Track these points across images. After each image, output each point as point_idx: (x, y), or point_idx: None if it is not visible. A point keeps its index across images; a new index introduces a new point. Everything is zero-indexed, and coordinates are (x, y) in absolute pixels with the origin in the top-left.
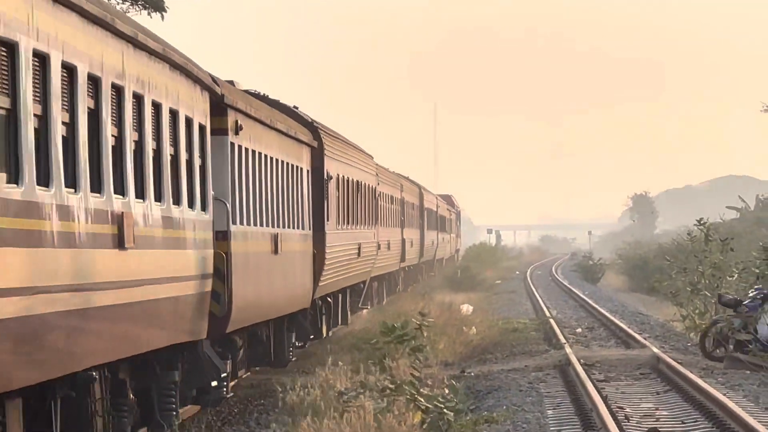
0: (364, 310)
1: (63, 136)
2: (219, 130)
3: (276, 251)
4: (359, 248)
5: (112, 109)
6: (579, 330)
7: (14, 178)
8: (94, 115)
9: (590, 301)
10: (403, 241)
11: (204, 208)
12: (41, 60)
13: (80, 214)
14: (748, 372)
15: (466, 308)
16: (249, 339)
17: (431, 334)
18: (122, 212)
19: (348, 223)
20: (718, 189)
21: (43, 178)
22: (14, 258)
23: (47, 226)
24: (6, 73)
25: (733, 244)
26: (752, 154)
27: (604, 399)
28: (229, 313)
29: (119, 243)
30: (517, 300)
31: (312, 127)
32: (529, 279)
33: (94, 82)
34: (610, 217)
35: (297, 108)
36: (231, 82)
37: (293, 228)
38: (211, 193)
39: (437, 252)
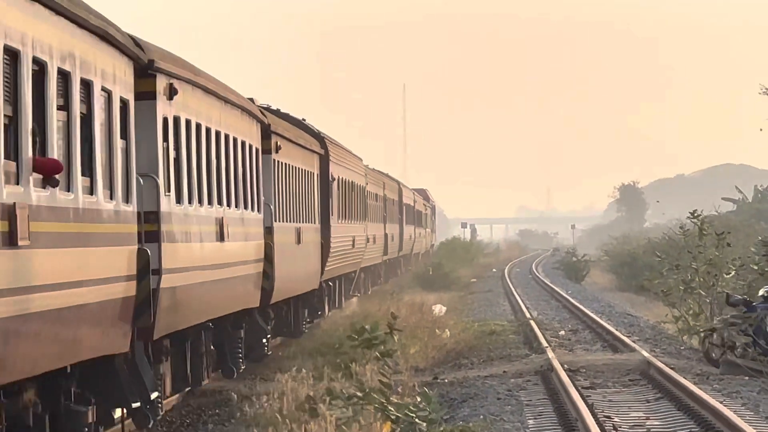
0: (354, 297)
1: (207, 169)
2: (266, 151)
3: (298, 242)
4: (353, 241)
5: (217, 147)
6: (562, 333)
7: (178, 198)
8: (217, 154)
9: (574, 302)
10: (386, 235)
11: (259, 210)
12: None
13: (202, 220)
14: (747, 378)
15: (439, 309)
16: (276, 312)
17: (401, 337)
18: (222, 217)
19: (345, 218)
20: (712, 179)
21: (189, 198)
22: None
23: (194, 228)
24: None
25: (730, 239)
26: (750, 141)
27: (590, 408)
28: (272, 288)
29: (221, 238)
30: (495, 300)
31: (319, 137)
32: (507, 277)
33: (217, 135)
34: (596, 209)
35: (305, 120)
36: (267, 107)
37: (308, 222)
38: (263, 198)
39: (414, 246)
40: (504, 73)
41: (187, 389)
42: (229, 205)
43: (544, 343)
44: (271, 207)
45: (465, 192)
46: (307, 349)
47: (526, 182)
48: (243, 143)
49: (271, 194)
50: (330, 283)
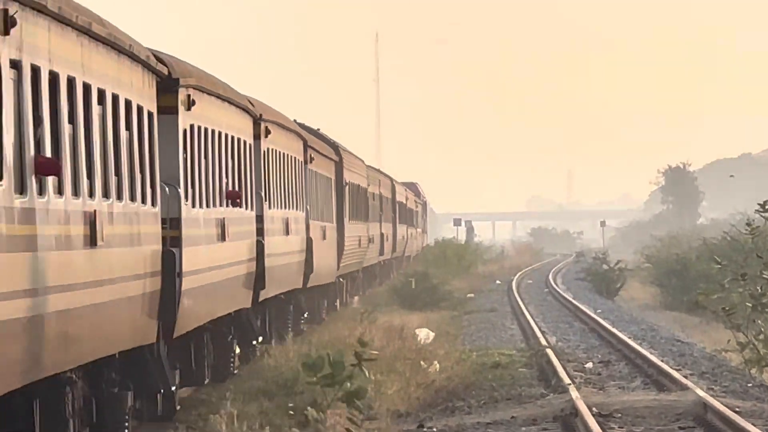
0: (356, 297)
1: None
2: (305, 162)
3: (324, 238)
4: (359, 241)
5: (286, 167)
6: (589, 365)
7: (251, 205)
8: (285, 173)
9: (605, 324)
10: (382, 235)
11: (302, 210)
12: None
13: (278, 220)
14: None
15: (425, 334)
16: (305, 299)
17: (375, 372)
18: (287, 217)
19: (354, 219)
20: None
21: (262, 204)
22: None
23: (266, 224)
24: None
25: None
26: None
27: None
28: (311, 273)
29: (287, 232)
30: (499, 322)
31: (334, 146)
32: (515, 291)
33: (285, 157)
34: (633, 201)
35: (319, 129)
36: (302, 125)
37: (329, 222)
38: (305, 200)
39: (406, 248)
40: (506, 23)
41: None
42: (290, 207)
43: (566, 380)
44: (308, 207)
45: (458, 178)
46: (249, 388)
47: (540, 165)
48: (292, 157)
49: (308, 198)
50: (342, 279)
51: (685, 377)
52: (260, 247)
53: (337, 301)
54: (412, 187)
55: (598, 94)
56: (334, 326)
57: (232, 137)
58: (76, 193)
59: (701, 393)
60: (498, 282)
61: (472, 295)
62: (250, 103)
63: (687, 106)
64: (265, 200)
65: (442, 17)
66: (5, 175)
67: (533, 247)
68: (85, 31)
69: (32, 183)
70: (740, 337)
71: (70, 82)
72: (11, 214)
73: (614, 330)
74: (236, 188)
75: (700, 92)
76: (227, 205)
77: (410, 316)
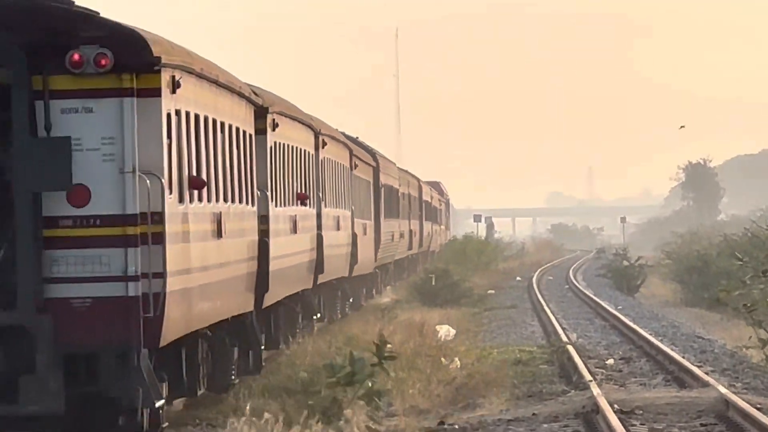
0: (388, 287)
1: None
2: (351, 168)
3: (365, 233)
4: (392, 236)
5: (337, 173)
6: (610, 362)
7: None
8: (336, 178)
9: (626, 320)
10: (411, 231)
11: (348, 209)
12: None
13: (331, 217)
14: None
15: (446, 331)
16: (349, 286)
17: (396, 369)
18: (338, 215)
19: (388, 217)
20: None
21: (320, 204)
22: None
23: (323, 221)
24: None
25: None
26: None
27: None
28: (356, 264)
29: (338, 228)
30: (520, 319)
31: (372, 152)
32: (536, 287)
33: (336, 164)
34: (653, 197)
35: (357, 138)
36: (352, 137)
37: (368, 220)
38: (350, 201)
39: (431, 243)
40: (527, 18)
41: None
42: (340, 207)
43: (587, 376)
44: (353, 207)
45: (478, 174)
46: (270, 386)
47: (560, 162)
48: (341, 164)
49: (353, 200)
50: (377, 270)
51: (707, 374)
52: (320, 239)
53: (374, 289)
54: (435, 186)
55: (619, 90)
56: (356, 322)
57: (300, 149)
58: (209, 199)
59: (723, 390)
60: (518, 278)
61: (492, 291)
62: (311, 120)
63: (706, 97)
64: (322, 201)
65: (462, 12)
66: (174, 190)
67: (553, 244)
68: (214, 81)
69: (187, 195)
70: (761, 333)
71: (206, 120)
72: (177, 217)
73: (635, 326)
74: (303, 191)
75: (720, 88)
76: (297, 205)
77: (431, 313)
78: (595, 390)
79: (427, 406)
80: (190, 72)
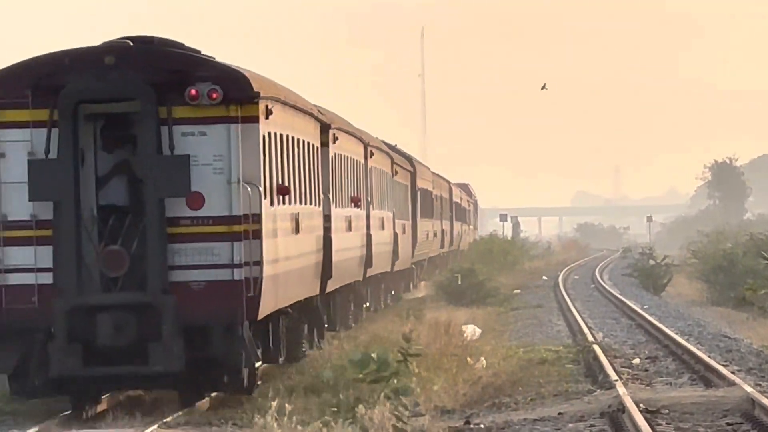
0: (422, 282)
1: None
2: (392, 174)
3: (404, 232)
4: (427, 235)
5: (381, 179)
6: (636, 361)
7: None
8: (381, 183)
9: (652, 319)
10: (442, 231)
11: (390, 211)
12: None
13: (377, 218)
14: None
15: (472, 331)
16: (391, 280)
17: (421, 368)
18: (383, 216)
19: (424, 217)
20: None
21: (369, 206)
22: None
23: (371, 221)
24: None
25: None
26: None
27: None
28: (396, 260)
29: (383, 228)
30: (546, 318)
31: (408, 158)
32: (561, 287)
33: (381, 171)
34: (679, 196)
35: (396, 145)
36: (393, 146)
37: (406, 220)
38: (392, 203)
39: (461, 242)
40: (553, 16)
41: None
42: (384, 209)
43: (613, 376)
44: (395, 209)
45: (504, 174)
46: (295, 385)
47: (586, 161)
48: (385, 171)
49: (394, 201)
50: (413, 266)
51: (733, 373)
52: (369, 238)
53: (411, 284)
54: (464, 187)
55: (645, 89)
56: (381, 322)
57: (353, 159)
58: (290, 202)
59: (749, 389)
60: (544, 278)
61: (518, 291)
62: (362, 134)
63: (732, 96)
64: (371, 204)
65: (487, 11)
66: (267, 196)
67: (579, 243)
68: (293, 106)
69: (276, 199)
70: None
71: (288, 137)
72: (269, 217)
73: (661, 326)
74: (356, 195)
75: (746, 86)
76: (352, 207)
77: (457, 313)
78: (621, 389)
79: (452, 406)
80: (277, 101)
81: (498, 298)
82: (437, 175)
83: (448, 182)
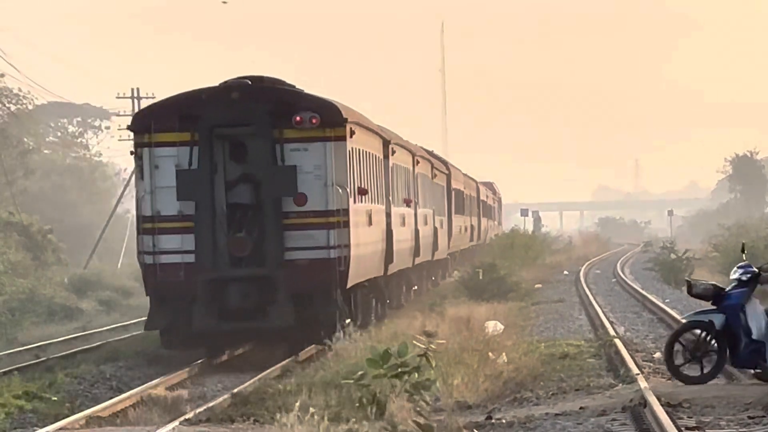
0: (455, 271)
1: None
2: (431, 177)
3: (441, 227)
4: (460, 229)
5: (424, 181)
6: (658, 355)
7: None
8: (424, 185)
9: (674, 313)
10: (471, 226)
11: (431, 208)
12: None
13: (422, 216)
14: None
15: (493, 326)
16: (431, 268)
17: (442, 363)
18: (426, 213)
19: (457, 214)
20: None
21: (416, 206)
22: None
23: (418, 218)
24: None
25: None
26: None
27: None
28: (435, 251)
29: (426, 223)
30: (567, 313)
31: (444, 162)
32: (583, 281)
33: (424, 176)
34: (700, 189)
35: (432, 151)
36: (430, 151)
37: (443, 216)
38: (431, 202)
39: (486, 236)
40: (574, 11)
41: None
42: (426, 207)
43: (635, 370)
44: (433, 207)
45: (525, 168)
46: (316, 380)
47: (606, 155)
48: (427, 175)
49: (433, 200)
50: (448, 257)
51: None
52: (416, 232)
53: (446, 272)
54: (489, 186)
55: (665, 83)
56: (404, 318)
57: (405, 167)
58: (365, 201)
59: None
60: (566, 272)
61: (539, 285)
62: (410, 145)
63: (754, 93)
64: (417, 203)
65: (507, 8)
66: (352, 195)
67: (600, 237)
68: (366, 127)
69: (357, 198)
70: None
71: (364, 151)
72: (353, 212)
73: (683, 320)
74: (407, 196)
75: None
76: (404, 206)
77: (478, 307)
78: (643, 383)
79: (474, 401)
80: (357, 124)
81: (519, 293)
82: (467, 175)
83: (476, 182)
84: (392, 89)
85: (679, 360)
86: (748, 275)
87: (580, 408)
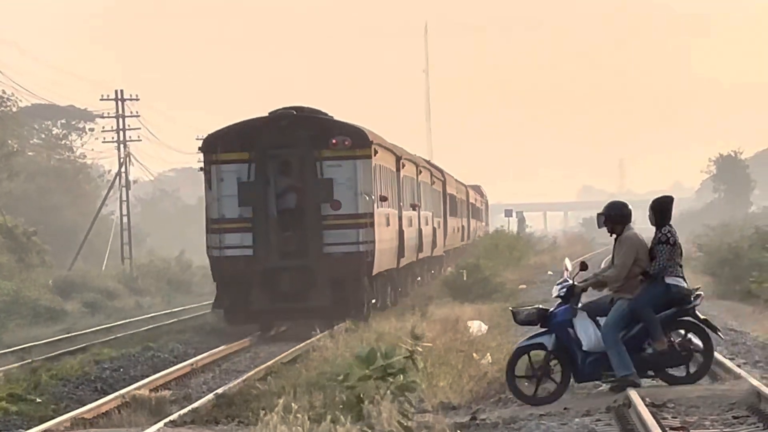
0: (449, 268)
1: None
2: (433, 184)
3: (439, 227)
4: (454, 230)
5: (426, 188)
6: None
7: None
8: (426, 192)
9: None
10: (462, 227)
11: (430, 211)
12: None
13: (424, 217)
14: None
15: (478, 327)
16: (431, 263)
17: (427, 364)
18: (427, 215)
19: (451, 216)
20: None
21: (420, 209)
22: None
23: (421, 219)
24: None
25: None
26: None
27: None
28: (434, 248)
29: (427, 224)
30: None
31: (440, 170)
32: None
33: (426, 184)
34: (684, 189)
35: (430, 161)
36: (428, 162)
37: (440, 218)
38: (431, 205)
39: (475, 236)
40: (556, 10)
41: None
42: (427, 210)
43: None
44: (432, 210)
45: (508, 169)
46: (300, 381)
47: (591, 155)
48: (427, 183)
49: (432, 204)
50: (444, 254)
51: (739, 366)
52: (420, 231)
53: (442, 268)
54: (477, 189)
55: (649, 83)
56: (388, 320)
57: (411, 177)
58: (385, 206)
59: (755, 382)
60: (550, 273)
61: (524, 286)
62: (415, 158)
63: (738, 89)
64: (420, 207)
65: (489, 7)
66: (376, 201)
67: (585, 238)
68: (385, 147)
69: (380, 204)
70: None
71: (383, 167)
72: (377, 215)
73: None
74: (413, 201)
75: (749, 79)
76: (411, 210)
77: (463, 308)
78: None
79: (458, 402)
80: (379, 145)
81: (504, 294)
82: (458, 181)
83: (466, 186)
84: (378, 90)
85: (521, 382)
86: (564, 290)
87: (565, 408)
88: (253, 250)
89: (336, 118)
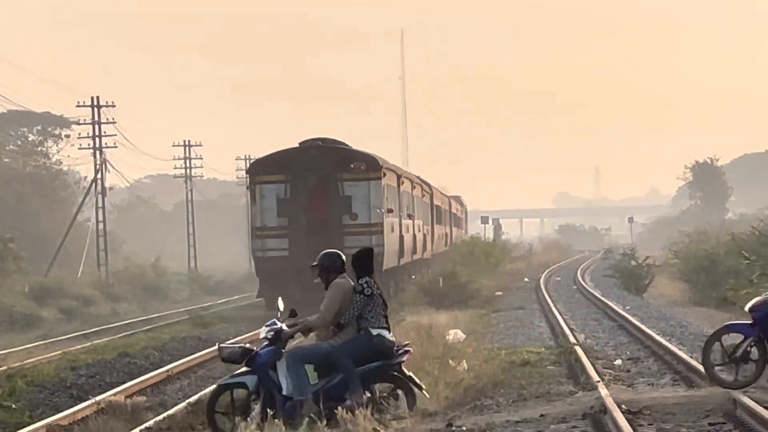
0: (430, 270)
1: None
2: (422, 197)
3: (428, 234)
4: (439, 236)
5: (421, 202)
6: (618, 362)
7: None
8: (420, 205)
9: (634, 320)
10: (446, 234)
11: (422, 220)
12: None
13: (417, 225)
14: None
15: (454, 334)
16: (422, 264)
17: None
18: (419, 223)
19: (437, 224)
20: None
21: (414, 219)
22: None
23: (415, 227)
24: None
25: None
26: None
27: None
28: (424, 252)
29: (420, 231)
30: (527, 320)
31: (428, 184)
32: (543, 289)
33: (421, 198)
34: (661, 196)
35: (420, 176)
36: (418, 177)
37: (429, 226)
38: (422, 215)
39: (456, 243)
40: (529, 18)
41: None
42: (419, 219)
43: (595, 377)
44: (422, 219)
45: (484, 176)
46: None
47: (566, 162)
48: (419, 196)
49: (423, 214)
50: (431, 257)
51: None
52: (414, 237)
53: (430, 269)
54: (458, 199)
55: (625, 89)
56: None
57: (407, 192)
58: (390, 216)
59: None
60: (526, 279)
61: (500, 293)
62: (410, 174)
63: (714, 100)
64: (415, 217)
65: (465, 16)
66: (384, 213)
67: (561, 244)
68: (390, 169)
69: (386, 215)
70: None
71: (389, 185)
72: (386, 224)
73: (643, 327)
74: (410, 212)
75: (725, 87)
76: (408, 219)
77: (438, 315)
78: (603, 390)
79: (434, 408)
80: (387, 168)
81: (480, 300)
82: (443, 193)
83: (448, 197)
84: (356, 97)
85: (220, 418)
86: (272, 333)
87: (541, 415)
88: (289, 252)
89: (353, 147)
